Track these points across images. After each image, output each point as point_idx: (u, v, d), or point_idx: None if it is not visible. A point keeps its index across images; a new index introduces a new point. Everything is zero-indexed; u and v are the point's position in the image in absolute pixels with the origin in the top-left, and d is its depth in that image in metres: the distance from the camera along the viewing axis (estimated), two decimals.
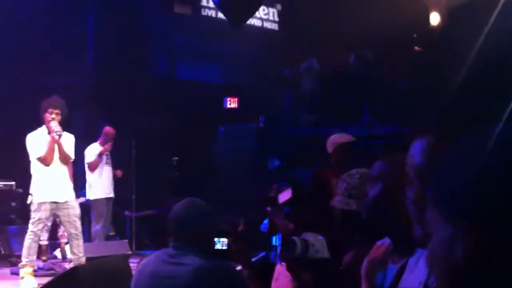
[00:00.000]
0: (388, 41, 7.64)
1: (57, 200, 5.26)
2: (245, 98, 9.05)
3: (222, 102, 9.23)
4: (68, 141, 5.48)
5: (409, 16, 7.81)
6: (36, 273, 6.03)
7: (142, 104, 8.60)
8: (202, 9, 10.03)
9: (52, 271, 6.01)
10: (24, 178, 7.10)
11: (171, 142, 8.24)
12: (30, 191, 5.39)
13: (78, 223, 5.38)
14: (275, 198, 4.95)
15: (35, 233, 5.21)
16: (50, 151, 5.30)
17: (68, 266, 5.26)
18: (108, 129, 7.34)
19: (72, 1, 9.40)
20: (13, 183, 7.00)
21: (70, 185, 5.48)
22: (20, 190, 7.07)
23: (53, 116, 5.30)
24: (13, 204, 7.03)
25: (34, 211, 5.21)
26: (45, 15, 8.33)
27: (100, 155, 7.06)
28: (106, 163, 7.23)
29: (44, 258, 6.69)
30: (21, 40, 8.96)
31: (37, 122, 5.47)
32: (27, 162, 6.97)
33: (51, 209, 5.26)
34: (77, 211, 5.40)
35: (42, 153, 5.30)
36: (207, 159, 8.23)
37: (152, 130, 8.18)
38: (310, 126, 7.74)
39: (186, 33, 9.89)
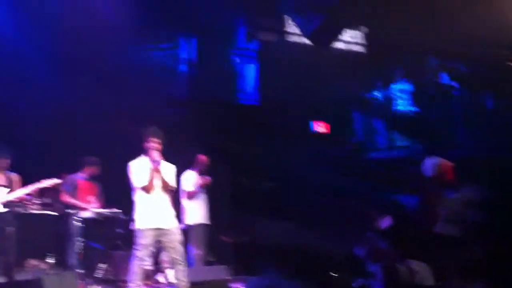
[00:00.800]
0: (480, 58, 7.45)
1: (160, 227, 5.46)
2: (334, 121, 9.09)
3: (310, 126, 9.32)
4: (169, 170, 5.70)
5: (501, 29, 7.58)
6: None
7: (232, 130, 8.85)
8: (287, 35, 10.23)
9: None
10: (129, 205, 7.56)
11: (262, 168, 8.40)
12: (134, 218, 5.60)
13: (181, 249, 5.57)
14: (375, 224, 4.92)
15: (140, 258, 5.40)
16: (152, 179, 5.52)
17: None
18: (202, 157, 7.63)
19: (164, 34, 9.91)
20: (120, 211, 7.37)
21: (172, 212, 5.68)
22: (125, 217, 7.47)
23: (154, 145, 5.53)
24: (119, 230, 7.42)
25: (138, 237, 5.43)
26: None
27: (200, 187, 7.36)
28: (202, 190, 7.54)
29: (149, 282, 7.00)
30: (116, 70, 9.58)
31: (136, 149, 5.76)
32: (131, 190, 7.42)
33: (155, 236, 5.44)
34: (180, 237, 5.59)
35: (144, 181, 5.52)
36: (298, 183, 8.32)
37: (243, 156, 8.38)
38: (404, 148, 7.63)
39: (272, 60, 10.10)
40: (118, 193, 7.68)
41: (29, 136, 8.16)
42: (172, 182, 5.70)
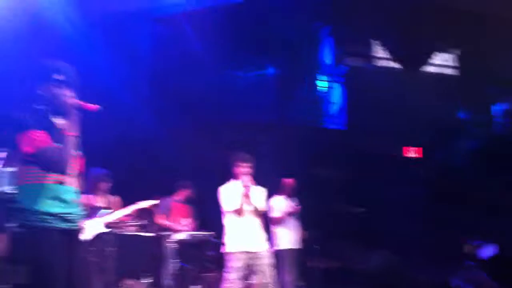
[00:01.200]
0: None
1: (250, 250, 5.50)
2: (426, 145, 8.86)
3: (401, 150, 9.14)
4: (260, 194, 5.78)
5: None
6: None
7: (320, 155, 8.83)
8: (374, 60, 10.17)
9: None
10: (219, 228, 7.70)
11: (352, 193, 8.30)
12: (224, 241, 5.68)
13: (271, 273, 5.58)
14: (474, 254, 4.68)
15: (231, 281, 5.45)
16: (242, 203, 5.59)
17: None
18: (289, 181, 7.66)
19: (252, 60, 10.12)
20: (212, 233, 7.53)
21: (263, 235, 5.72)
22: (217, 240, 7.62)
23: (243, 169, 5.63)
24: (210, 253, 7.56)
25: (229, 260, 5.50)
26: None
27: (289, 214, 7.39)
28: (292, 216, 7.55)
29: None
30: (205, 97, 9.90)
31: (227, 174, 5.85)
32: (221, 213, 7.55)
33: (245, 259, 5.49)
34: (270, 261, 5.61)
35: (234, 205, 5.60)
36: (389, 208, 8.15)
37: (332, 181, 8.33)
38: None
39: (359, 84, 10.05)
40: (210, 216, 7.91)
41: (125, 161, 8.54)
42: (262, 206, 5.74)
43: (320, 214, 7.86)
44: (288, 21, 9.69)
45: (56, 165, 3.09)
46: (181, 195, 7.83)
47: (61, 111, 3.19)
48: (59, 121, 3.22)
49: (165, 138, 10.36)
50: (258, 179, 5.72)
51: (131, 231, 7.28)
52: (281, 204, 7.57)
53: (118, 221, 6.54)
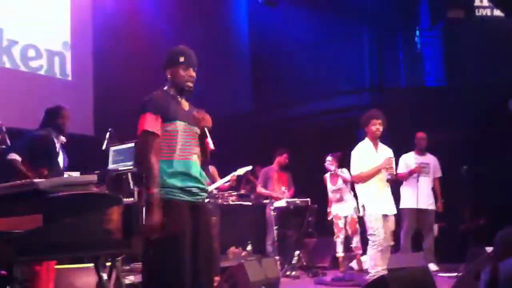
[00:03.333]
0: None
1: (386, 213, 5.26)
2: None
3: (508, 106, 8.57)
4: (388, 154, 5.44)
5: None
6: (339, 283, 6.48)
7: (422, 116, 8.50)
8: (476, 10, 9.58)
9: (353, 282, 6.38)
10: (317, 194, 7.74)
11: (460, 154, 7.93)
12: (361, 204, 5.39)
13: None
14: None
15: (377, 243, 5.16)
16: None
17: (366, 277, 5.41)
18: (420, 134, 7.42)
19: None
20: (308, 199, 7.58)
21: (392, 198, 5.48)
22: (315, 206, 7.66)
23: (377, 127, 5.32)
24: (310, 219, 7.64)
25: (371, 222, 5.23)
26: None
27: (410, 174, 7.16)
28: (424, 173, 7.31)
29: (341, 269, 7.11)
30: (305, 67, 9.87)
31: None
32: (319, 180, 7.56)
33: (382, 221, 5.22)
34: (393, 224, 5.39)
35: (366, 167, 5.30)
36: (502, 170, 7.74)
37: (446, 143, 7.98)
38: None
39: (460, 37, 9.54)
40: (309, 182, 7.96)
41: (222, 131, 8.74)
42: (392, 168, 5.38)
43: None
44: None
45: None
46: (278, 163, 7.92)
47: (186, 91, 3.38)
48: (183, 102, 3.40)
49: (262, 110, 10.53)
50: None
51: (232, 201, 7.50)
52: (409, 160, 7.35)
53: (217, 191, 6.74)
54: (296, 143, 8.86)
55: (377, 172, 5.31)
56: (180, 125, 3.28)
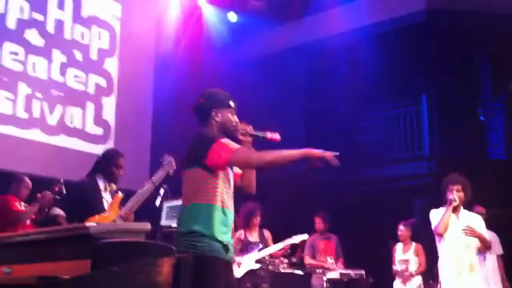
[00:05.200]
0: None
1: None
2: None
3: None
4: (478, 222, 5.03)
5: None
6: None
7: (484, 189, 8.09)
8: None
9: None
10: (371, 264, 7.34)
11: None
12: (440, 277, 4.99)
13: None
14: None
15: None
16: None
17: None
18: (479, 208, 6.95)
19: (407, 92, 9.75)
20: (363, 272, 7.16)
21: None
22: (371, 280, 7.21)
23: (454, 192, 4.97)
24: None
25: None
26: None
27: None
28: None
29: None
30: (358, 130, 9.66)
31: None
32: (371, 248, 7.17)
33: None
34: None
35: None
36: None
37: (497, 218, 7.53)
38: None
39: None
40: (363, 252, 7.57)
41: (276, 195, 8.58)
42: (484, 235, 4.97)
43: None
44: (446, 49, 9.26)
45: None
46: (321, 230, 7.55)
47: (231, 137, 3.23)
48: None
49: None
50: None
51: (283, 269, 7.20)
52: None
53: (269, 257, 6.47)
54: (348, 210, 8.55)
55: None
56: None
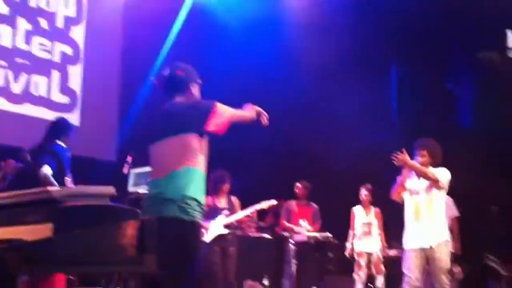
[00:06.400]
0: None
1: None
2: None
3: None
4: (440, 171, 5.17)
5: None
6: None
7: (453, 158, 8.28)
8: (509, 51, 9.40)
9: None
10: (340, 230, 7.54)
11: (486, 195, 7.68)
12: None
13: None
14: None
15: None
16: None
17: None
18: None
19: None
20: (329, 234, 7.37)
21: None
22: (336, 241, 7.44)
23: (419, 158, 5.14)
24: (330, 255, 7.42)
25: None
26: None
27: None
28: None
29: None
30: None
31: None
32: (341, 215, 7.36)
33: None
34: None
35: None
36: None
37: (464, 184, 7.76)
38: None
39: (491, 79, 9.35)
40: (331, 218, 7.76)
41: (248, 163, 8.66)
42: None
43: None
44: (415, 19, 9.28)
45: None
46: (300, 196, 7.76)
47: None
48: None
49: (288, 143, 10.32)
50: None
51: (252, 233, 7.35)
52: None
53: (237, 222, 6.58)
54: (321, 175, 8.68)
55: None
56: None
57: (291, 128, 9.30)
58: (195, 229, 2.98)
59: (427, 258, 5.02)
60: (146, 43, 8.99)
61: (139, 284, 5.15)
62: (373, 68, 9.68)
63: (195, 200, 3.01)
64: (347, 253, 7.36)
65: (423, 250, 5.03)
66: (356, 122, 9.06)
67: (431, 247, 5.00)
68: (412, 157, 5.20)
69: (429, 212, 5.08)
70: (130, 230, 2.54)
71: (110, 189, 2.61)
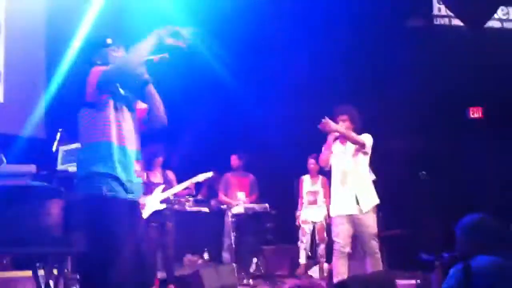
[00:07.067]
0: None
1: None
2: (491, 107, 8.36)
3: (465, 113, 8.68)
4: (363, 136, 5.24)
5: None
6: None
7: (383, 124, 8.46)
8: (435, 19, 9.64)
9: None
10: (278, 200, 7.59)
11: (415, 158, 7.92)
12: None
13: None
14: None
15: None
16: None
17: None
18: None
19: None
20: (267, 205, 7.40)
21: None
22: (273, 212, 7.49)
23: (340, 123, 5.17)
24: (269, 225, 7.48)
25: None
26: None
27: None
28: None
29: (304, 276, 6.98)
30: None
31: None
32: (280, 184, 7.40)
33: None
34: None
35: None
36: (455, 174, 7.76)
37: (394, 148, 7.97)
38: None
39: (420, 46, 9.56)
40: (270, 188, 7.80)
41: (183, 135, 8.52)
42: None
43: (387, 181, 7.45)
44: None
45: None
46: (236, 167, 7.74)
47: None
48: None
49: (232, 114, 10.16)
50: None
51: (189, 207, 7.27)
52: None
53: (174, 196, 6.49)
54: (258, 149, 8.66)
55: None
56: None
57: (227, 98, 9.22)
58: (102, 204, 2.81)
59: (354, 224, 5.09)
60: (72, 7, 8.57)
61: (75, 264, 5.00)
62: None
63: (100, 174, 2.86)
64: (297, 222, 7.38)
65: (350, 216, 5.09)
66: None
67: (358, 214, 5.07)
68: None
69: (355, 177, 5.15)
70: (54, 209, 2.42)
71: (31, 167, 2.48)
